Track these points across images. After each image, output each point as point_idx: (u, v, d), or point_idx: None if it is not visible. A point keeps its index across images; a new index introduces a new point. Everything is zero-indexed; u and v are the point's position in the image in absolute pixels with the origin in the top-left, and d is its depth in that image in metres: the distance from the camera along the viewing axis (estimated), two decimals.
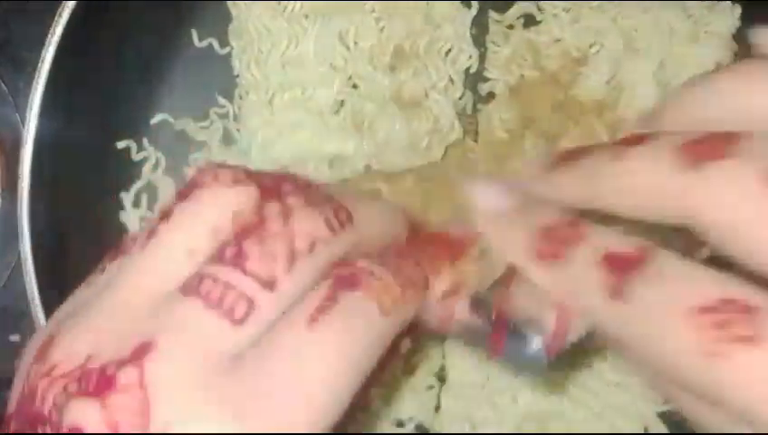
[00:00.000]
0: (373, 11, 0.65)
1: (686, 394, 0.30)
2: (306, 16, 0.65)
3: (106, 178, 0.69)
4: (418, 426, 0.68)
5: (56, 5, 0.61)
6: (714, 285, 0.28)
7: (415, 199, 0.70)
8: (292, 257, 0.28)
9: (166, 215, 0.30)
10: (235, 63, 0.68)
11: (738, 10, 0.65)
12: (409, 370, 0.66)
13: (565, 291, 0.33)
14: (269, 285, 0.28)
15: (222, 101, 0.71)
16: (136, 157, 0.70)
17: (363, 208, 0.33)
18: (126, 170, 0.70)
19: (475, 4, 0.67)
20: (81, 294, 0.33)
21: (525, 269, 0.36)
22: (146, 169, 0.70)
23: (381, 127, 0.65)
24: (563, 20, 0.66)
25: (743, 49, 0.66)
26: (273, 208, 0.29)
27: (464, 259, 0.37)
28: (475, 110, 0.70)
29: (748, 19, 0.65)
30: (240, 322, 0.27)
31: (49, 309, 0.62)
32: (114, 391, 0.25)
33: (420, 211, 0.70)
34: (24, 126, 0.62)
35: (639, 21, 0.65)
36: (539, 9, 0.67)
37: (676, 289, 0.28)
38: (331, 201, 0.31)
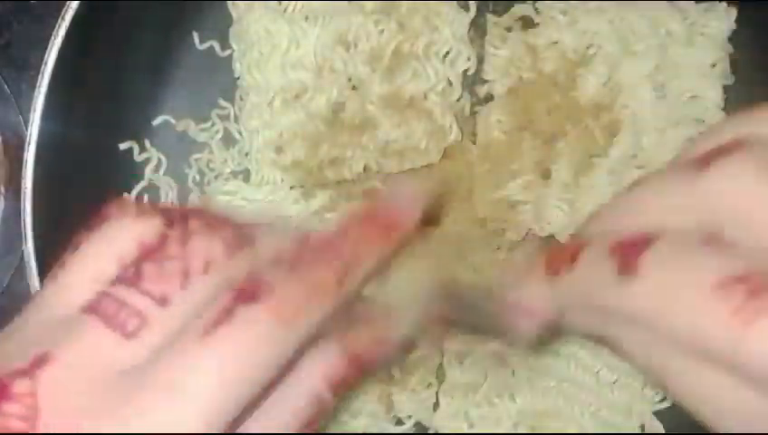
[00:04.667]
0: (372, 13, 0.66)
1: (692, 379, 0.31)
2: (306, 18, 0.66)
3: (108, 180, 0.70)
4: (417, 424, 0.68)
5: (59, 7, 0.62)
6: (735, 258, 0.28)
7: None
8: (187, 276, 0.30)
9: (75, 246, 0.33)
10: (236, 66, 0.68)
11: (734, 12, 0.65)
12: (408, 369, 0.67)
13: (577, 293, 0.34)
14: (162, 301, 0.30)
15: (223, 102, 0.71)
16: (138, 158, 0.71)
17: (264, 232, 0.35)
18: (128, 171, 0.71)
19: (473, 6, 0.67)
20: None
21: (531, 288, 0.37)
22: (148, 170, 0.71)
23: (380, 128, 0.66)
24: (561, 22, 0.66)
25: (738, 51, 0.67)
26: (173, 234, 0.32)
27: None
28: (473, 111, 0.70)
29: (744, 21, 0.66)
30: (131, 335, 0.29)
31: None
32: (8, 399, 0.27)
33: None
34: (27, 128, 0.62)
35: (636, 23, 0.65)
36: (537, 11, 0.68)
37: (694, 262, 0.28)
38: (231, 226, 0.33)
